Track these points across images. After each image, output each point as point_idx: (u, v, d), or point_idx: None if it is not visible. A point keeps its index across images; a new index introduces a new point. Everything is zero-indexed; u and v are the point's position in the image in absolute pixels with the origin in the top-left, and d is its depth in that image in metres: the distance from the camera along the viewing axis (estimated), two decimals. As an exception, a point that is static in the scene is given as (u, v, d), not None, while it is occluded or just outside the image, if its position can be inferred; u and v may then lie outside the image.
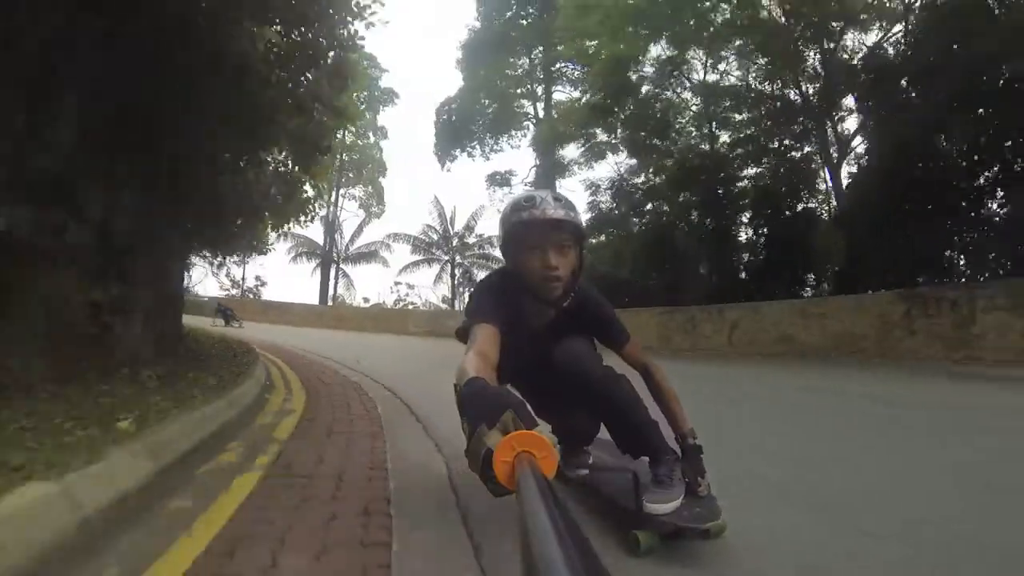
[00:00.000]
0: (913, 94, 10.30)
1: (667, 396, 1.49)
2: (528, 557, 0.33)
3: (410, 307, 28.65)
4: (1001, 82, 8.68)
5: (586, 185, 17.17)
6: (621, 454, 1.57)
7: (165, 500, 1.54)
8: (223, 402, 2.65)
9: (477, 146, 23.99)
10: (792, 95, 14.10)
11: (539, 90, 23.78)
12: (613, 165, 17.69)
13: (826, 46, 13.39)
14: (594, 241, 15.73)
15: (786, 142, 14.02)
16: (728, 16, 13.94)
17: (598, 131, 17.03)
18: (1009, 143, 8.82)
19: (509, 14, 22.90)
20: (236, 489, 1.68)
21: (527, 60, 23.70)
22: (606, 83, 14.83)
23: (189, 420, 2.17)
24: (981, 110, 9.05)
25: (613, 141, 17.17)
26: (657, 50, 15.08)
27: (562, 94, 22.54)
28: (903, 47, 11.16)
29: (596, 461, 1.76)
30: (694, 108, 15.66)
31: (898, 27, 12.19)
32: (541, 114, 23.16)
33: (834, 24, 13.01)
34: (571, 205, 1.39)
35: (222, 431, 2.36)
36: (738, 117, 14.91)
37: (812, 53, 13.63)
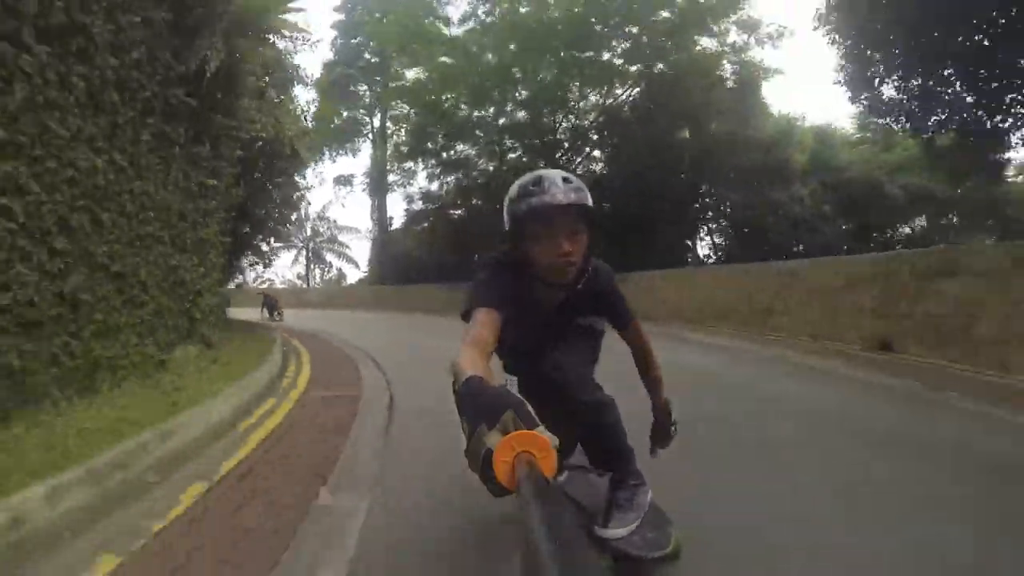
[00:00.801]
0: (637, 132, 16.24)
1: (656, 375, 1.61)
2: (529, 557, 0.34)
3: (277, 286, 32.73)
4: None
5: (403, 196, 22.55)
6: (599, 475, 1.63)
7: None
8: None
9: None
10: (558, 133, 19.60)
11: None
12: (424, 180, 22.52)
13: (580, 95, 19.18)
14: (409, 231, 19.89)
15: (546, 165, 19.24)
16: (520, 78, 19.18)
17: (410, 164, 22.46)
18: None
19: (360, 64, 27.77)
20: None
21: (367, 89, 27.96)
22: (414, 135, 19.94)
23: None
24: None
25: (423, 169, 22.21)
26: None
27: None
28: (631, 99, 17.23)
29: (568, 470, 1.85)
30: (482, 142, 20.61)
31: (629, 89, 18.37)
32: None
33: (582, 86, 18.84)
34: (580, 185, 1.31)
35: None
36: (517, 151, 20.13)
37: (572, 103, 19.29)
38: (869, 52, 10.94)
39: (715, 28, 18.38)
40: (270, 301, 15.96)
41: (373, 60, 27.35)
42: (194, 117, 4.87)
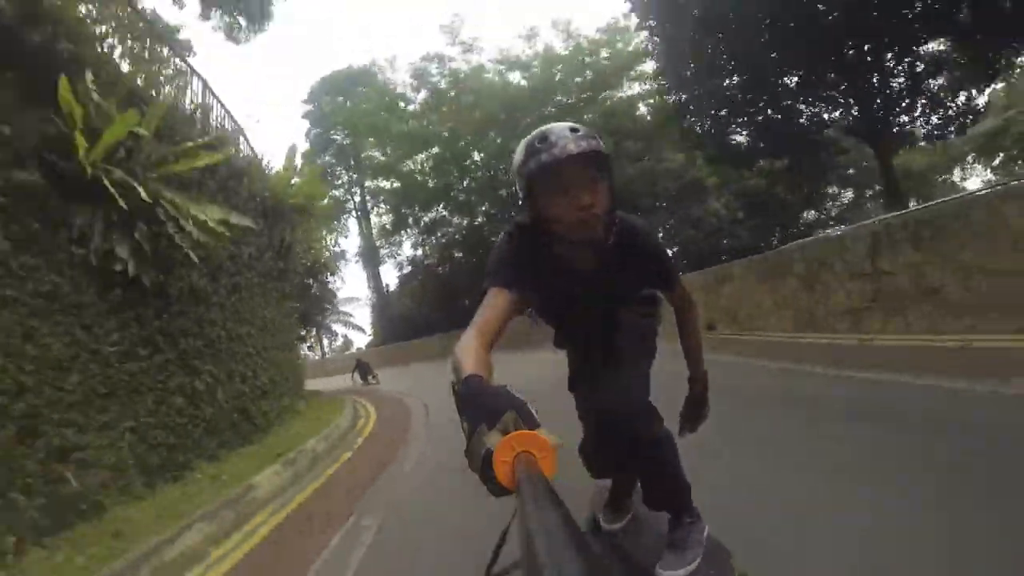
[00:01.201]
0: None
1: (696, 337, 1.52)
2: (529, 557, 0.34)
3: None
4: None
5: (394, 264, 26.78)
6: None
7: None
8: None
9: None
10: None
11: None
12: (410, 249, 26.66)
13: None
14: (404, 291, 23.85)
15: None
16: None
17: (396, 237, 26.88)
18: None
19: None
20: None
21: (343, 169, 32.35)
22: (394, 209, 24.49)
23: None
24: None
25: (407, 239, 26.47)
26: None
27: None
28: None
29: (635, 514, 1.78)
30: (452, 203, 24.76)
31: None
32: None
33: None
34: (590, 132, 1.17)
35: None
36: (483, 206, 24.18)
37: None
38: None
39: (623, 83, 22.80)
40: (363, 366, 15.79)
41: (346, 142, 31.39)
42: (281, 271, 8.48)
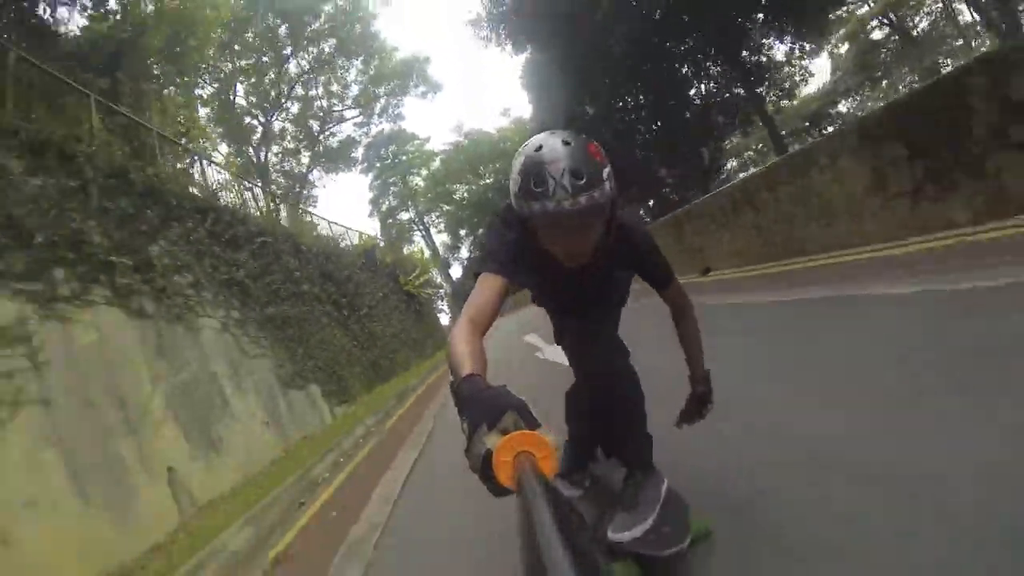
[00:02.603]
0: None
1: (695, 339, 1.47)
2: (529, 557, 0.34)
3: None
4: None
5: (459, 264, 39.22)
6: (606, 458, 1.68)
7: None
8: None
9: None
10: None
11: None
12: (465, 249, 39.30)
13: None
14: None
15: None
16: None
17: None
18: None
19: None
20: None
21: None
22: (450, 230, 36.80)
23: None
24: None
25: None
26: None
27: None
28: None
29: (592, 480, 1.82)
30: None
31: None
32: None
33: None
34: (593, 179, 1.05)
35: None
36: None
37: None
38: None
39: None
40: None
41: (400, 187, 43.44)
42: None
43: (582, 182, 1.04)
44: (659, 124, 18.76)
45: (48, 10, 10.11)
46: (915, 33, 23.52)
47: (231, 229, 7.78)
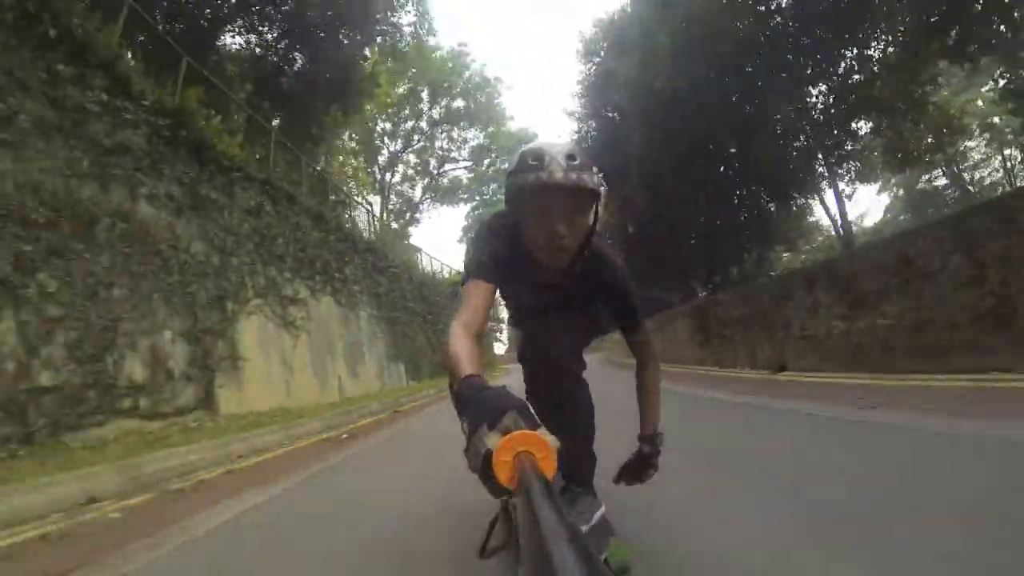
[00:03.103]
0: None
1: (655, 393, 1.44)
2: (529, 557, 0.35)
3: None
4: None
5: None
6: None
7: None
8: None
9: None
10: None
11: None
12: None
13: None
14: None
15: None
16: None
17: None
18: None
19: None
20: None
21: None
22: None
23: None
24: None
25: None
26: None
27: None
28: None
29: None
30: None
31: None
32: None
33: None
34: (585, 164, 1.15)
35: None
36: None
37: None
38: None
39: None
40: None
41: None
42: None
43: (576, 163, 1.12)
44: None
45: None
46: (970, 187, 25.55)
47: (381, 262, 13.45)
